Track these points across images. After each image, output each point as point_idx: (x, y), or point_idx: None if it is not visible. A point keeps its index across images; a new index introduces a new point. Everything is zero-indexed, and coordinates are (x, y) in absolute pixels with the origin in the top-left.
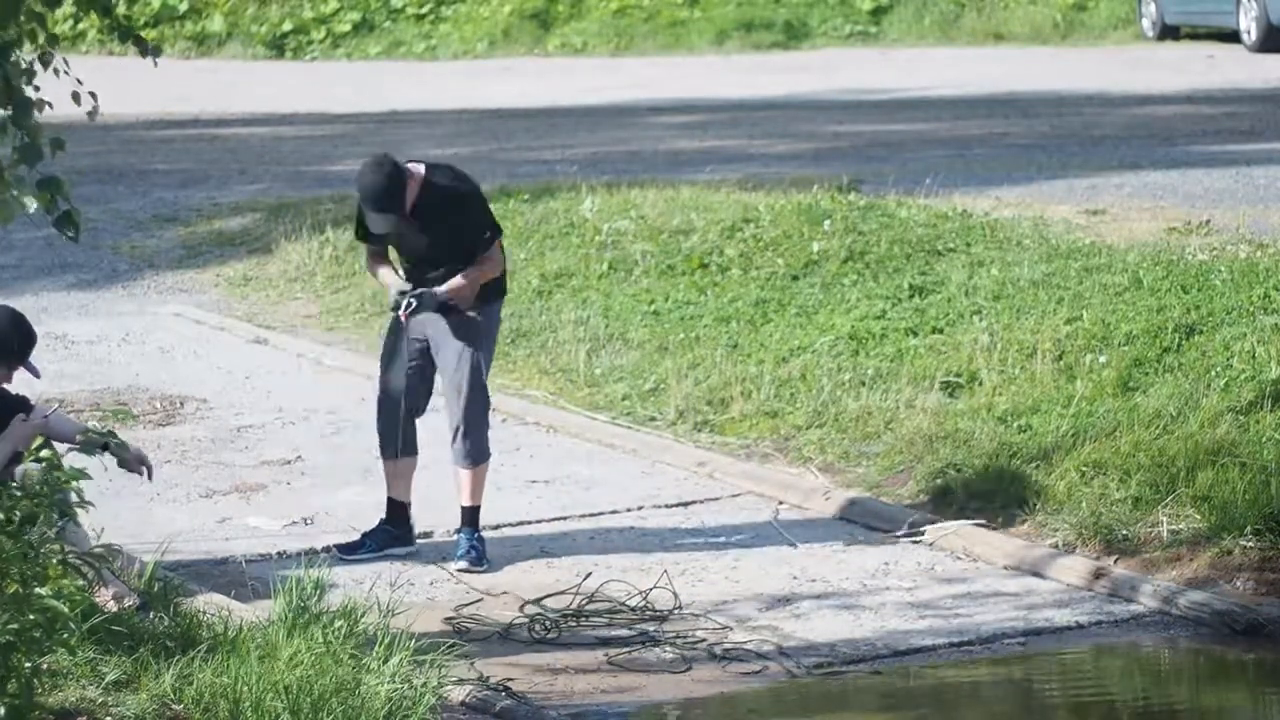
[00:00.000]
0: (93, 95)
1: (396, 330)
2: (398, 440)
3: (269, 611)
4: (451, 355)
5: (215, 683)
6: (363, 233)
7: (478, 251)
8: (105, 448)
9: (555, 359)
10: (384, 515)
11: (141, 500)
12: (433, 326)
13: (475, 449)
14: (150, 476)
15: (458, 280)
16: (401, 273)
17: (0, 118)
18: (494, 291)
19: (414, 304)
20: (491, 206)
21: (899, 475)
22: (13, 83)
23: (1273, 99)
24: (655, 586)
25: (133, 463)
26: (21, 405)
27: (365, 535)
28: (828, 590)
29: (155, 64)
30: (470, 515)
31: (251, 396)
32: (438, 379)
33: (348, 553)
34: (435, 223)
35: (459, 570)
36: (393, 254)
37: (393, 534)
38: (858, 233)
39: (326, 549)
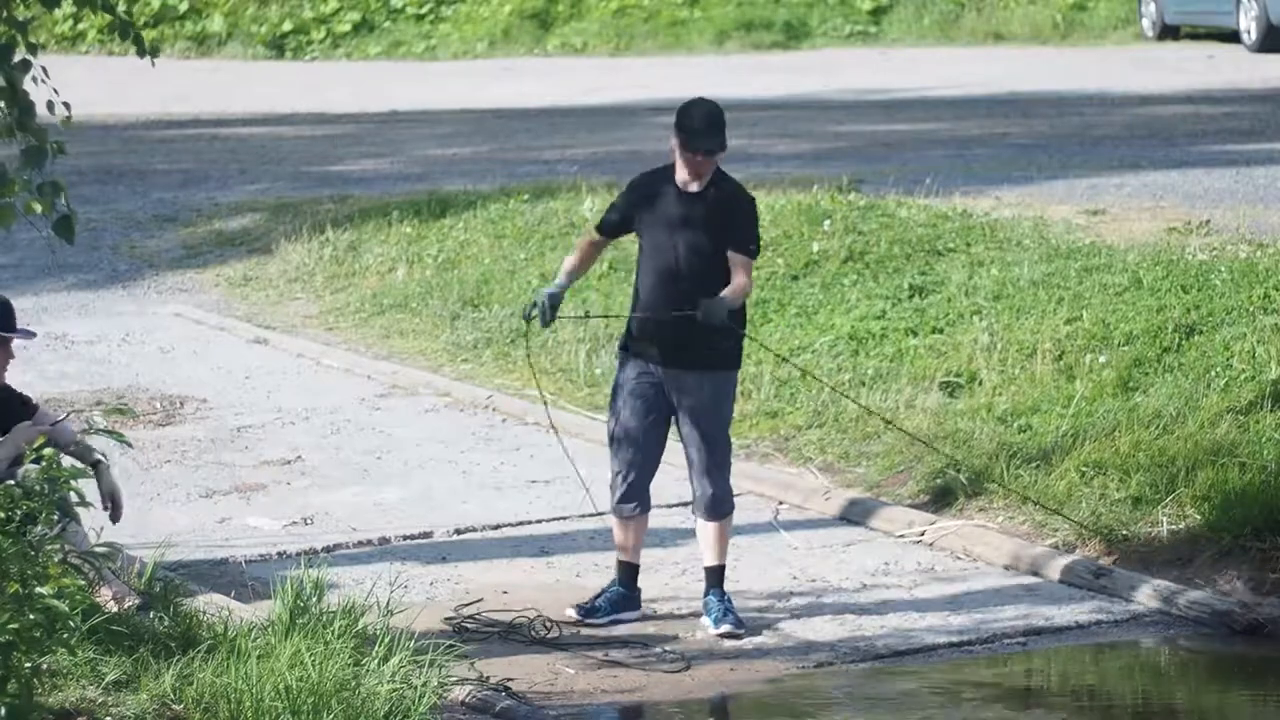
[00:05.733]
0: (66, 105)
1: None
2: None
3: (269, 611)
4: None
5: (215, 683)
6: (612, 218)
7: (740, 255)
8: (95, 465)
9: (555, 359)
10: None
11: (141, 500)
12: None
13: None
14: (112, 517)
15: (742, 280)
16: (643, 285)
17: (4, 120)
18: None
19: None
20: (491, 206)
21: (899, 475)
22: (17, 86)
23: (1273, 99)
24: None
25: (103, 493)
26: (24, 406)
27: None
28: (828, 590)
29: (153, 63)
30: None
31: (251, 396)
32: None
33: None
34: (723, 206)
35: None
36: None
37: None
38: (858, 233)
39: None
